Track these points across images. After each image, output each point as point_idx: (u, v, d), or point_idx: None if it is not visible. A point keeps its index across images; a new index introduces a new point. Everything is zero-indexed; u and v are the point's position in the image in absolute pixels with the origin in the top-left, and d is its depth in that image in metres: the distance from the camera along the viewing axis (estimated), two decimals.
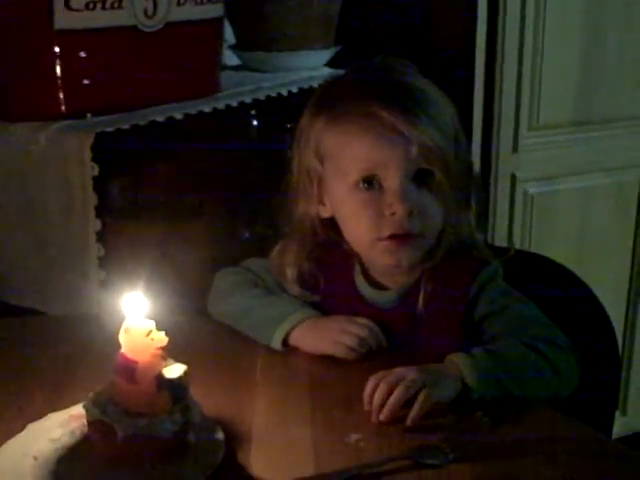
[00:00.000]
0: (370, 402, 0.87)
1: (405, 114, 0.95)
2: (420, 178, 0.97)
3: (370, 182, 0.97)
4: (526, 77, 1.80)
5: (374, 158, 0.96)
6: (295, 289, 1.08)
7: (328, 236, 1.06)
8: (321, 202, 1.04)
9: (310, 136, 1.01)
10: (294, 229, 1.06)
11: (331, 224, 1.05)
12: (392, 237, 0.97)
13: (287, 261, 1.07)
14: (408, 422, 0.85)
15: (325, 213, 1.04)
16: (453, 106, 1.02)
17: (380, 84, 0.99)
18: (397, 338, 1.03)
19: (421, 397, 0.85)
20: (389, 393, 0.86)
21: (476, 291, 1.01)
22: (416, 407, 0.85)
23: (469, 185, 1.03)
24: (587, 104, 1.88)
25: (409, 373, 0.88)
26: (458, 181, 1.00)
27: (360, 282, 1.06)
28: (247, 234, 1.43)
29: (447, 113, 1.00)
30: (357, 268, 1.07)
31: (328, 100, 1.02)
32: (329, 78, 1.14)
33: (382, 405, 0.86)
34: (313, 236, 1.06)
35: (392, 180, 0.96)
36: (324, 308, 1.07)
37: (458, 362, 0.91)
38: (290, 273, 1.07)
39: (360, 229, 0.99)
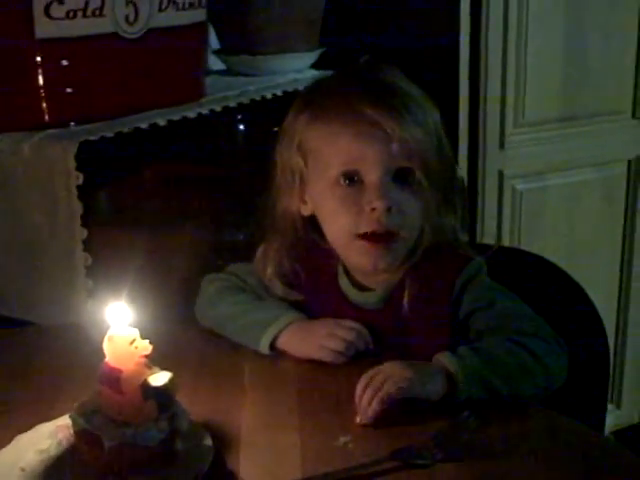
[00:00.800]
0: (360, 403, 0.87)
1: (389, 112, 0.96)
2: (401, 177, 0.98)
3: (351, 178, 0.98)
4: (511, 74, 1.80)
5: (356, 152, 0.97)
6: (277, 286, 1.08)
7: (309, 235, 1.06)
8: (302, 200, 1.04)
9: (294, 132, 1.02)
10: (275, 227, 1.07)
11: (312, 223, 1.05)
12: (369, 236, 0.98)
13: (268, 258, 1.07)
14: (369, 413, 0.85)
15: (306, 211, 1.05)
16: (437, 109, 1.03)
17: (365, 82, 1.00)
18: (384, 339, 1.03)
19: (383, 390, 0.85)
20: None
21: (460, 288, 1.01)
22: (378, 395, 0.85)
23: (452, 186, 1.03)
24: (572, 99, 1.88)
25: (396, 370, 0.88)
26: (440, 182, 1.00)
27: (344, 283, 1.06)
28: (234, 239, 1.43)
29: (430, 115, 1.01)
30: (340, 269, 1.07)
31: (312, 97, 1.03)
32: (315, 79, 1.15)
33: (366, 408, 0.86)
34: (294, 234, 1.06)
35: (372, 176, 0.97)
36: (309, 309, 1.06)
37: (444, 361, 0.91)
38: (270, 270, 1.07)
39: (338, 225, 1.00)
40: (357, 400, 0.87)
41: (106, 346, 0.77)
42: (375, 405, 0.85)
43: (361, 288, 1.06)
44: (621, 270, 2.08)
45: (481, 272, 1.03)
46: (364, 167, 0.97)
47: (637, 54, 1.93)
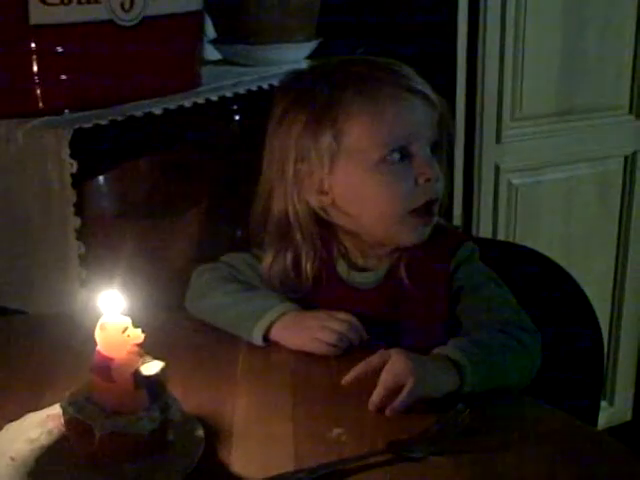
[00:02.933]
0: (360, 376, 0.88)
1: (426, 85, 1.01)
2: (435, 150, 1.02)
3: (401, 153, 0.99)
4: (508, 68, 1.80)
5: (409, 125, 0.99)
6: (282, 287, 1.06)
7: (312, 229, 1.04)
8: (322, 190, 1.02)
9: (330, 110, 0.98)
10: (290, 230, 1.04)
11: (316, 217, 1.04)
12: (421, 209, 1.00)
13: (275, 271, 1.06)
14: (387, 413, 0.85)
15: (325, 202, 1.02)
16: None
17: (396, 67, 1.02)
18: (380, 319, 1.03)
19: (405, 392, 0.85)
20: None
21: (454, 267, 1.03)
22: (399, 398, 0.85)
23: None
24: (569, 94, 1.88)
25: (402, 365, 0.87)
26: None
27: (341, 266, 1.06)
28: (230, 228, 1.42)
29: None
30: (336, 252, 1.06)
31: (352, 73, 1.01)
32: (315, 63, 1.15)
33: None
34: (308, 234, 1.04)
35: (422, 147, 0.99)
36: (308, 298, 1.06)
37: (452, 356, 0.90)
38: (277, 282, 1.06)
39: (391, 204, 0.99)
40: (374, 398, 0.86)
41: (98, 334, 0.76)
42: (395, 407, 0.85)
43: (357, 269, 1.06)
44: (616, 266, 2.08)
45: (474, 254, 1.05)
46: (415, 140, 0.99)
47: (635, 50, 1.93)
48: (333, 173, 1.00)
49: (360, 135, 0.99)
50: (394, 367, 0.87)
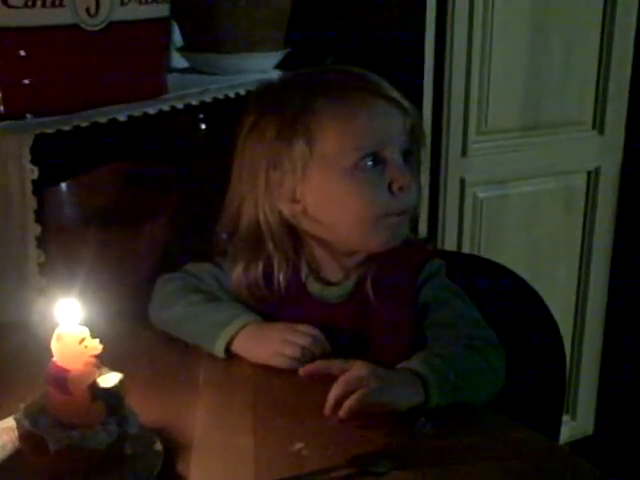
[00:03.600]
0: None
1: (397, 92, 1.01)
2: (407, 157, 1.02)
3: (374, 159, 0.98)
4: (474, 82, 1.81)
5: (382, 131, 0.98)
6: (248, 299, 1.05)
7: (284, 239, 1.03)
8: (293, 198, 1.01)
9: (298, 120, 0.98)
10: (262, 239, 1.03)
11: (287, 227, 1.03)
12: (391, 214, 0.99)
13: (244, 281, 1.04)
14: (340, 414, 0.84)
15: (295, 210, 1.01)
16: None
17: (367, 75, 1.03)
18: (348, 334, 1.02)
19: (361, 392, 0.84)
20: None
21: (420, 283, 1.03)
22: (352, 397, 0.84)
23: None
24: (535, 109, 1.90)
25: (359, 372, 0.87)
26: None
27: (308, 279, 1.05)
28: (193, 238, 1.41)
29: None
30: (305, 267, 1.06)
31: (321, 82, 1.02)
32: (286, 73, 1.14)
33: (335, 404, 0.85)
34: (262, 243, 1.03)
35: (395, 154, 0.99)
36: (274, 311, 1.05)
37: (418, 370, 0.89)
38: (246, 293, 1.05)
39: (367, 206, 0.98)
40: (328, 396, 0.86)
41: (54, 345, 0.75)
42: (353, 402, 0.84)
43: (326, 283, 1.05)
44: (579, 278, 2.10)
45: (441, 270, 1.05)
46: (387, 145, 0.98)
47: (598, 67, 1.96)
48: (306, 180, 1.00)
49: (332, 141, 0.98)
50: (356, 370, 0.87)
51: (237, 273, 1.05)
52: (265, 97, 1.05)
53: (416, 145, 1.03)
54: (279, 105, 1.01)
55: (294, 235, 1.04)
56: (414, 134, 1.02)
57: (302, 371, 0.91)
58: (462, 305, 1.03)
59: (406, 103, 1.01)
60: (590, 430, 2.22)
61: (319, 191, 1.00)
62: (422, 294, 1.03)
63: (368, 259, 1.04)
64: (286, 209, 1.02)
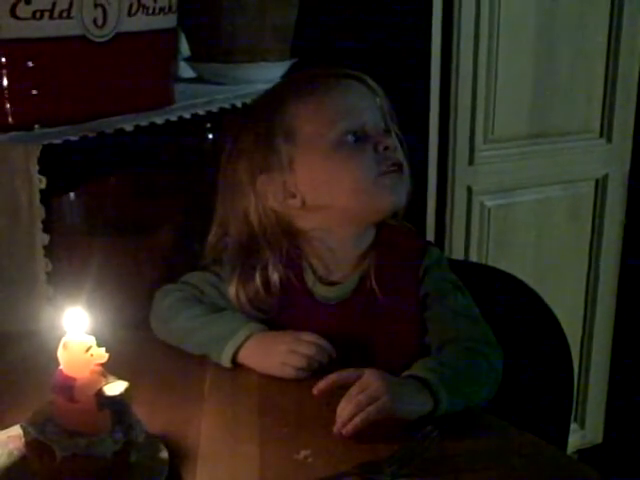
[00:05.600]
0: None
1: (362, 80, 1.05)
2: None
3: (355, 134, 1.01)
4: (481, 90, 1.81)
5: (357, 108, 1.02)
6: (249, 309, 1.05)
7: (279, 237, 1.04)
8: (289, 193, 1.03)
9: (274, 121, 1.02)
10: (255, 247, 1.04)
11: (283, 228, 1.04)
12: (389, 172, 1.01)
13: (242, 288, 1.05)
14: (349, 428, 0.84)
15: (296, 203, 1.03)
16: None
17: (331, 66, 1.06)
18: (352, 334, 1.02)
19: (373, 407, 0.84)
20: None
21: (422, 274, 1.04)
22: (365, 411, 0.84)
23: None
24: (541, 117, 1.89)
25: (370, 386, 0.86)
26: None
27: (310, 280, 1.06)
28: (200, 247, 1.41)
29: None
30: (307, 269, 1.06)
31: (292, 86, 1.07)
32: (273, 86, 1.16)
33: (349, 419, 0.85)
34: (277, 244, 1.05)
35: (374, 123, 1.02)
36: (277, 315, 1.05)
37: (426, 377, 0.89)
38: (244, 299, 1.05)
39: (358, 173, 1.01)
40: (338, 411, 0.86)
41: (60, 353, 0.75)
42: (358, 421, 0.84)
43: (328, 283, 1.06)
44: (587, 288, 2.09)
45: (442, 260, 1.07)
46: (366, 119, 1.02)
47: (605, 75, 1.95)
48: (295, 172, 1.02)
49: (310, 123, 1.02)
50: (368, 382, 0.86)
51: (233, 287, 1.06)
52: (236, 121, 1.11)
53: (390, 122, 1.05)
54: (253, 114, 1.07)
55: (292, 239, 1.05)
56: (385, 112, 1.05)
57: (316, 390, 0.90)
58: (462, 299, 1.04)
59: (371, 82, 1.05)
60: (599, 439, 2.20)
61: (311, 177, 1.02)
62: (423, 285, 1.04)
63: (369, 250, 1.05)
64: (283, 207, 1.03)
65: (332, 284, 1.06)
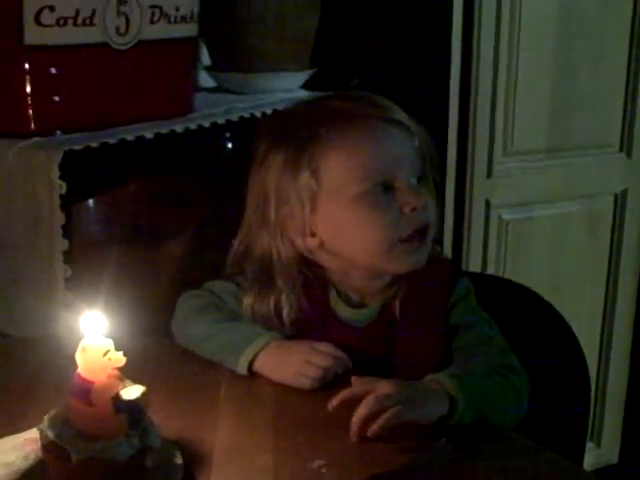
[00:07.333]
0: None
1: (402, 119, 0.99)
2: (420, 182, 1.00)
3: (384, 187, 0.97)
4: (500, 102, 1.81)
5: (390, 159, 0.97)
6: (267, 325, 1.04)
7: (304, 271, 1.03)
8: (309, 232, 1.00)
9: (305, 150, 0.97)
10: (274, 273, 1.03)
11: (306, 259, 1.03)
12: (407, 240, 0.97)
13: (273, 308, 1.03)
14: (369, 433, 0.83)
15: (313, 243, 1.01)
16: None
17: (373, 98, 1.01)
18: (375, 356, 1.01)
19: (390, 412, 0.84)
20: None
21: (450, 306, 1.02)
22: (382, 418, 0.83)
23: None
24: (561, 130, 1.89)
25: (388, 389, 0.86)
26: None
27: (336, 302, 1.05)
28: (218, 256, 1.41)
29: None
30: (333, 291, 1.05)
31: (326, 112, 1.00)
32: (294, 102, 1.13)
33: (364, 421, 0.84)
34: (295, 276, 1.03)
35: (405, 179, 0.97)
36: (298, 335, 1.03)
37: (444, 382, 0.89)
38: (262, 316, 1.03)
39: (378, 233, 0.97)
40: (354, 418, 0.85)
41: (78, 357, 0.75)
42: (376, 428, 0.83)
43: (354, 306, 1.05)
44: (605, 303, 2.07)
45: (470, 294, 1.05)
46: (398, 173, 0.97)
47: (626, 88, 1.95)
48: (316, 212, 0.99)
49: (338, 171, 0.97)
50: (383, 387, 0.86)
51: (247, 303, 1.05)
52: (273, 127, 1.06)
53: (428, 164, 1.01)
54: (284, 138, 1.00)
55: (315, 267, 1.03)
56: (424, 154, 1.00)
57: (330, 406, 0.89)
58: (489, 330, 1.03)
59: (413, 125, 1.00)
60: (615, 459, 2.18)
61: (331, 223, 0.99)
62: (452, 317, 1.03)
63: (396, 280, 1.03)
64: (301, 243, 1.01)
65: (358, 306, 1.05)
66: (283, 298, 1.02)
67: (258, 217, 1.03)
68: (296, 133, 0.99)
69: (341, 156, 0.97)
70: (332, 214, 0.98)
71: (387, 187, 0.97)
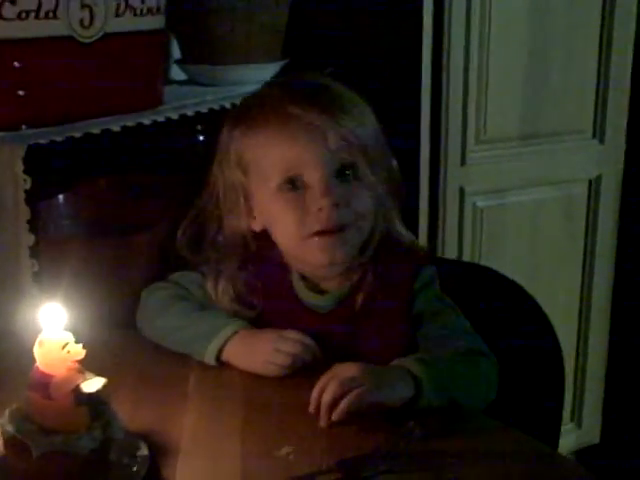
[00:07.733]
0: (316, 405, 0.86)
1: (321, 109, 0.96)
2: (344, 173, 0.98)
3: (293, 183, 0.97)
4: (472, 90, 1.80)
5: (294, 157, 0.97)
6: (233, 308, 1.05)
7: (261, 249, 1.05)
8: (251, 215, 1.03)
9: (230, 148, 1.02)
10: (225, 250, 1.05)
11: (265, 236, 1.04)
12: (321, 233, 0.97)
13: (221, 286, 1.05)
14: (333, 416, 0.83)
15: (257, 226, 1.04)
16: (374, 116, 1.03)
17: (298, 87, 1.01)
18: (339, 342, 1.01)
19: (353, 394, 0.83)
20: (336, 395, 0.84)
21: (414, 293, 1.02)
22: (345, 400, 0.83)
23: (393, 178, 1.04)
24: (534, 117, 1.89)
25: (352, 372, 0.86)
26: (382, 173, 1.01)
27: (299, 288, 1.05)
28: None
29: (366, 111, 1.01)
30: (295, 277, 1.05)
31: (242, 111, 1.04)
32: (244, 95, 1.16)
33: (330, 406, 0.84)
34: (245, 251, 1.05)
35: (315, 177, 0.96)
36: (263, 319, 1.04)
37: (410, 366, 0.89)
38: (226, 299, 1.05)
39: (288, 229, 0.99)
40: (313, 402, 0.86)
41: (36, 350, 0.74)
42: (340, 410, 0.83)
43: (317, 291, 1.05)
44: (581, 288, 2.08)
45: (434, 281, 1.04)
46: (305, 170, 0.97)
47: (598, 75, 1.95)
48: (252, 200, 1.03)
49: (255, 167, 1.00)
50: (343, 374, 0.86)
51: (210, 291, 1.06)
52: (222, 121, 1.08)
53: (359, 156, 0.98)
54: (222, 130, 1.05)
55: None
56: (353, 146, 0.97)
57: (311, 409, 0.88)
58: (454, 318, 1.03)
59: (348, 109, 0.97)
60: (596, 439, 2.19)
61: (261, 211, 1.02)
62: (416, 305, 1.02)
63: (355, 267, 1.03)
64: (251, 224, 1.04)
65: (321, 292, 1.05)
66: (240, 281, 1.04)
67: (212, 202, 1.06)
68: (227, 131, 1.04)
69: (256, 154, 1.00)
70: (260, 203, 1.02)
71: (296, 183, 0.97)
